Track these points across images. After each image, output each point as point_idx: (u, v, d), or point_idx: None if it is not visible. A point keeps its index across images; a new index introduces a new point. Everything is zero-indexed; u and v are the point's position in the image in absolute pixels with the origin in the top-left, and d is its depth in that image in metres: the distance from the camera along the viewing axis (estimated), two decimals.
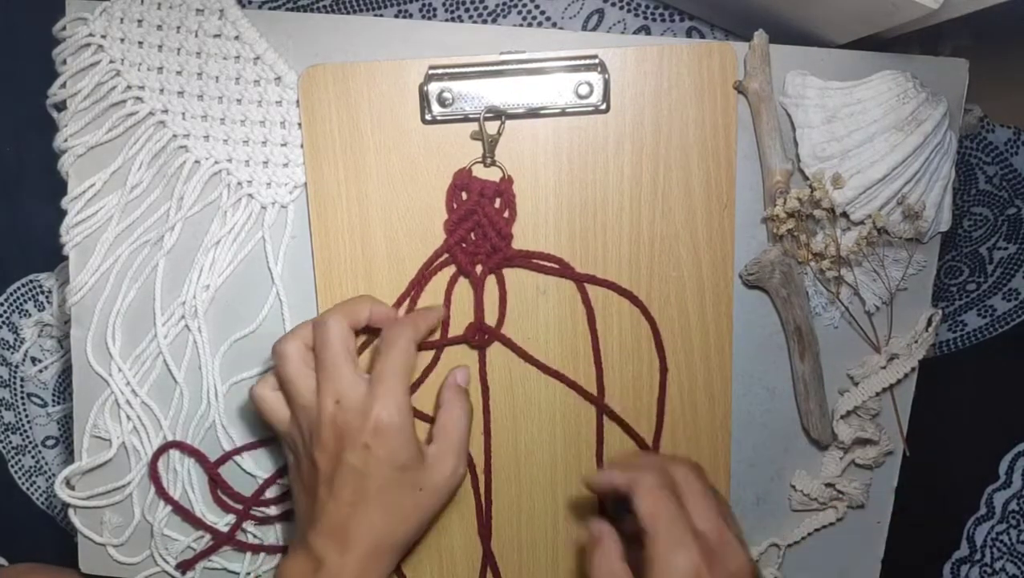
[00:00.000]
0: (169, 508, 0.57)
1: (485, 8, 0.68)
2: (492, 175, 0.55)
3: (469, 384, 0.54)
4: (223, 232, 0.56)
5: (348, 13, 0.70)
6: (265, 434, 0.57)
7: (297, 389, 0.49)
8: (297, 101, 0.55)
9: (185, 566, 0.57)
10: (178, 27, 0.55)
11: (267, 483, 0.57)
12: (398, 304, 0.55)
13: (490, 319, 0.55)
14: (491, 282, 0.55)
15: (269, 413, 0.51)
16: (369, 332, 0.54)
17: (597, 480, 0.50)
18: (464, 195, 0.54)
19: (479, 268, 0.55)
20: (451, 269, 0.55)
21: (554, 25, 0.69)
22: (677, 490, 0.47)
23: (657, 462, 0.49)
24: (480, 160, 0.54)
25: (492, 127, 0.54)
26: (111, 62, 0.55)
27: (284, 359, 0.50)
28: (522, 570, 0.57)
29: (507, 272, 0.55)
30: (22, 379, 0.79)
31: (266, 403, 0.51)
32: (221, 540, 0.57)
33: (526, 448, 0.56)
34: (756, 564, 0.49)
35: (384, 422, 0.47)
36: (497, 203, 0.54)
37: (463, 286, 0.55)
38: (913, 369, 0.57)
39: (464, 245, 0.55)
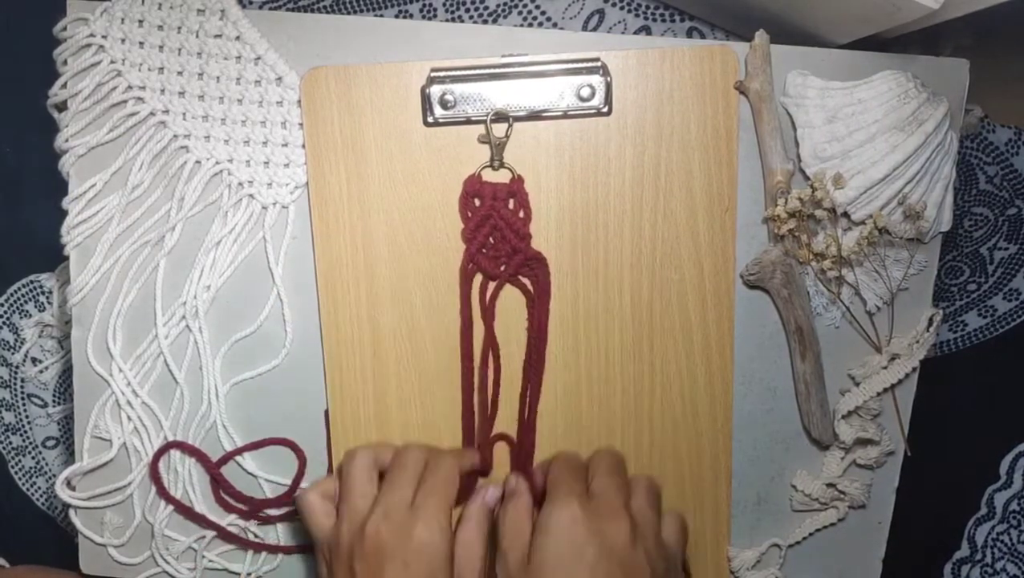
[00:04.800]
0: (170, 508, 0.57)
1: (486, 8, 0.68)
2: (501, 177, 0.55)
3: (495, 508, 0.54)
4: (224, 232, 0.56)
5: (349, 13, 0.69)
6: (266, 434, 0.57)
7: (356, 492, 0.51)
8: (298, 101, 0.55)
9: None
10: (179, 27, 0.55)
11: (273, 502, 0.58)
12: (464, 337, 0.55)
13: (506, 323, 0.56)
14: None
15: (314, 518, 0.52)
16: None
17: (530, 475, 0.53)
18: (477, 201, 0.54)
19: (502, 269, 0.55)
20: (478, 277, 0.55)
21: (555, 25, 0.69)
22: (582, 466, 0.52)
23: (574, 452, 0.54)
24: (488, 164, 0.54)
25: (499, 129, 0.54)
26: (112, 62, 0.55)
27: (354, 465, 0.52)
28: None
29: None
30: (22, 380, 0.79)
31: (314, 509, 0.52)
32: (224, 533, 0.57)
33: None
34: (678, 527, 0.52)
35: (425, 541, 0.48)
36: (511, 204, 0.54)
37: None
38: (914, 369, 0.57)
39: (485, 251, 0.55)
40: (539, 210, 0.55)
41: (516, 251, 0.54)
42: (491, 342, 0.55)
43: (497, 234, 0.54)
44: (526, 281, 0.55)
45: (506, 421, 0.56)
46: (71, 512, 0.58)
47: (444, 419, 0.56)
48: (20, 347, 0.78)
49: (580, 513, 0.47)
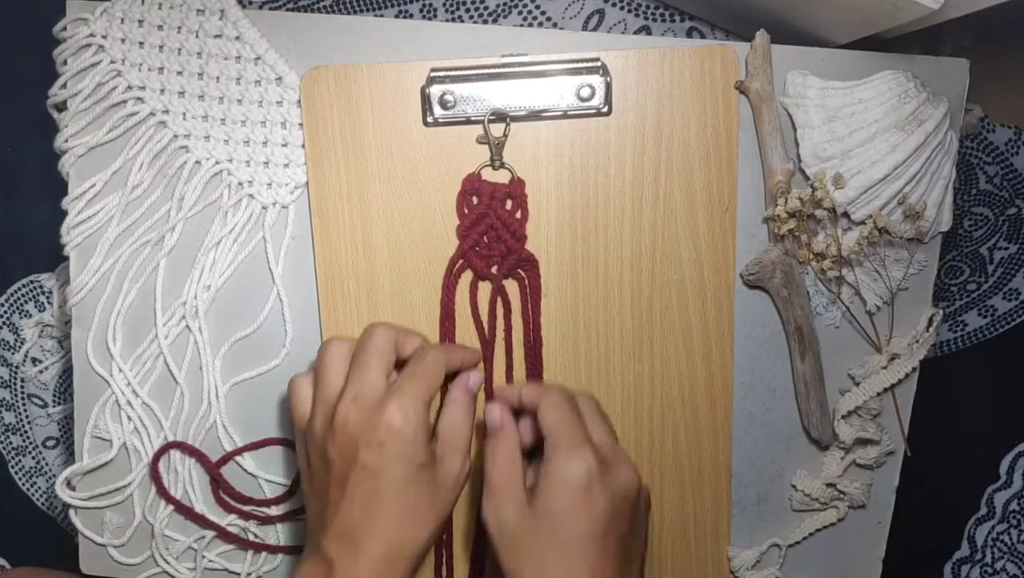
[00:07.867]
0: (170, 508, 0.57)
1: (486, 8, 0.68)
2: (500, 177, 0.55)
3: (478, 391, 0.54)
4: (224, 232, 0.56)
5: (349, 13, 0.70)
6: (266, 434, 0.57)
7: (326, 381, 0.49)
8: (298, 101, 0.55)
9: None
10: (179, 27, 0.55)
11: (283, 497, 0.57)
12: (443, 326, 0.55)
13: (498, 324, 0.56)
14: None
15: (296, 403, 0.51)
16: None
17: (507, 393, 0.52)
18: (475, 199, 0.54)
19: (495, 269, 0.55)
20: (469, 275, 0.55)
21: (555, 25, 0.69)
22: (577, 409, 0.50)
23: (561, 386, 0.52)
24: (488, 163, 0.54)
25: (497, 129, 0.54)
26: (112, 62, 0.55)
27: (326, 352, 0.50)
28: None
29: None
30: (23, 380, 0.79)
31: (298, 394, 0.51)
32: (223, 533, 0.57)
33: None
34: (644, 486, 0.51)
35: (398, 422, 0.47)
36: (508, 205, 0.54)
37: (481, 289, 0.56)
38: (914, 369, 0.57)
39: (478, 249, 0.54)
40: (539, 210, 0.55)
41: (511, 251, 0.54)
42: (485, 342, 0.55)
43: (492, 233, 0.54)
44: (515, 283, 0.55)
45: None
46: (71, 512, 0.58)
47: None
48: (20, 347, 0.78)
49: (595, 464, 0.47)
